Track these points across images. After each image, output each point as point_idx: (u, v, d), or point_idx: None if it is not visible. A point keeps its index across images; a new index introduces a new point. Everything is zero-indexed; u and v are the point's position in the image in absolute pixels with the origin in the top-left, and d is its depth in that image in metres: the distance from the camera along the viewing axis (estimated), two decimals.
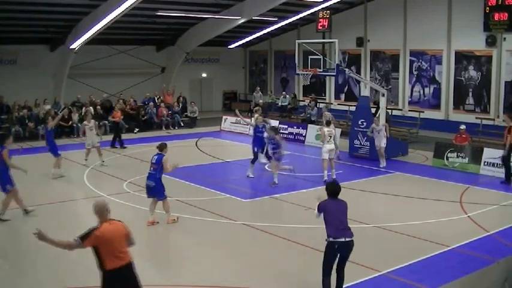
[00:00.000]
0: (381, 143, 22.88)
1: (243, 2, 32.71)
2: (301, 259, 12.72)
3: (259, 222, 15.47)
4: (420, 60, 33.20)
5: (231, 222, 15.53)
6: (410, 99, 33.92)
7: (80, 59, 34.65)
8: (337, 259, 10.38)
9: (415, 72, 33.64)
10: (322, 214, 10.47)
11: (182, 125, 35.28)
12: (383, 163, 22.89)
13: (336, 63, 26.03)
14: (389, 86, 34.30)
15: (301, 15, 35.59)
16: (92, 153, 23.52)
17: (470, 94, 30.85)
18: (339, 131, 28.14)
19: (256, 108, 25.35)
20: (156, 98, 36.67)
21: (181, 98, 38.24)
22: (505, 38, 29.06)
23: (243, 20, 33.90)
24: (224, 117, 35.18)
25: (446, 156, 22.74)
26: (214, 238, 14.38)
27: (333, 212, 10.38)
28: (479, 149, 22.44)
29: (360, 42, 36.26)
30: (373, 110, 26.55)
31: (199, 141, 25.66)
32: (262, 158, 21.31)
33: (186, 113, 36.82)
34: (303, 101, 38.54)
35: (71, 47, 32.75)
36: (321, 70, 25.45)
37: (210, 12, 34.37)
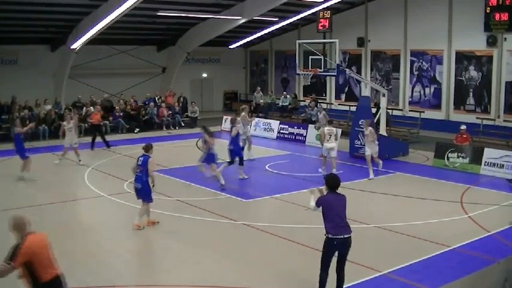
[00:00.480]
0: (370, 150, 21.35)
1: (244, 2, 32.70)
2: (302, 259, 12.71)
3: (260, 222, 15.48)
4: (421, 61, 33.20)
5: (232, 222, 15.53)
6: (411, 99, 33.92)
7: (81, 59, 34.67)
8: (335, 256, 10.35)
9: (415, 73, 33.63)
10: (320, 208, 10.39)
11: (183, 125, 35.30)
12: (373, 172, 21.28)
13: (336, 63, 26.05)
14: (390, 86, 34.30)
15: (301, 15, 35.60)
16: (94, 153, 23.54)
17: (471, 94, 30.84)
18: (339, 130, 28.23)
19: (243, 106, 25.46)
20: (156, 98, 36.69)
21: (181, 98, 38.26)
22: (505, 38, 29.05)
23: (243, 20, 33.90)
24: (225, 117, 35.10)
25: (447, 157, 22.74)
26: (214, 238, 14.38)
27: (334, 207, 10.35)
28: (480, 149, 22.44)
29: (361, 42, 36.26)
30: (373, 111, 26.52)
31: (199, 142, 25.57)
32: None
33: (186, 113, 36.83)
34: (304, 101, 38.51)
35: (72, 47, 32.76)
36: (322, 70, 25.48)
37: (211, 12, 34.37)
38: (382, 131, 25.49)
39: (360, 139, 24.66)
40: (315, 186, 18.88)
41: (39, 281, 7.80)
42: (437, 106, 32.48)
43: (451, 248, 13.20)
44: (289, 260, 12.74)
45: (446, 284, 11.14)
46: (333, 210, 10.26)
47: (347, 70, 28.38)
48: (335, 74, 27.19)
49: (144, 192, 14.77)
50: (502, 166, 20.87)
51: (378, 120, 25.51)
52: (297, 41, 26.94)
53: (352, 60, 36.94)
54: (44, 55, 34.99)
